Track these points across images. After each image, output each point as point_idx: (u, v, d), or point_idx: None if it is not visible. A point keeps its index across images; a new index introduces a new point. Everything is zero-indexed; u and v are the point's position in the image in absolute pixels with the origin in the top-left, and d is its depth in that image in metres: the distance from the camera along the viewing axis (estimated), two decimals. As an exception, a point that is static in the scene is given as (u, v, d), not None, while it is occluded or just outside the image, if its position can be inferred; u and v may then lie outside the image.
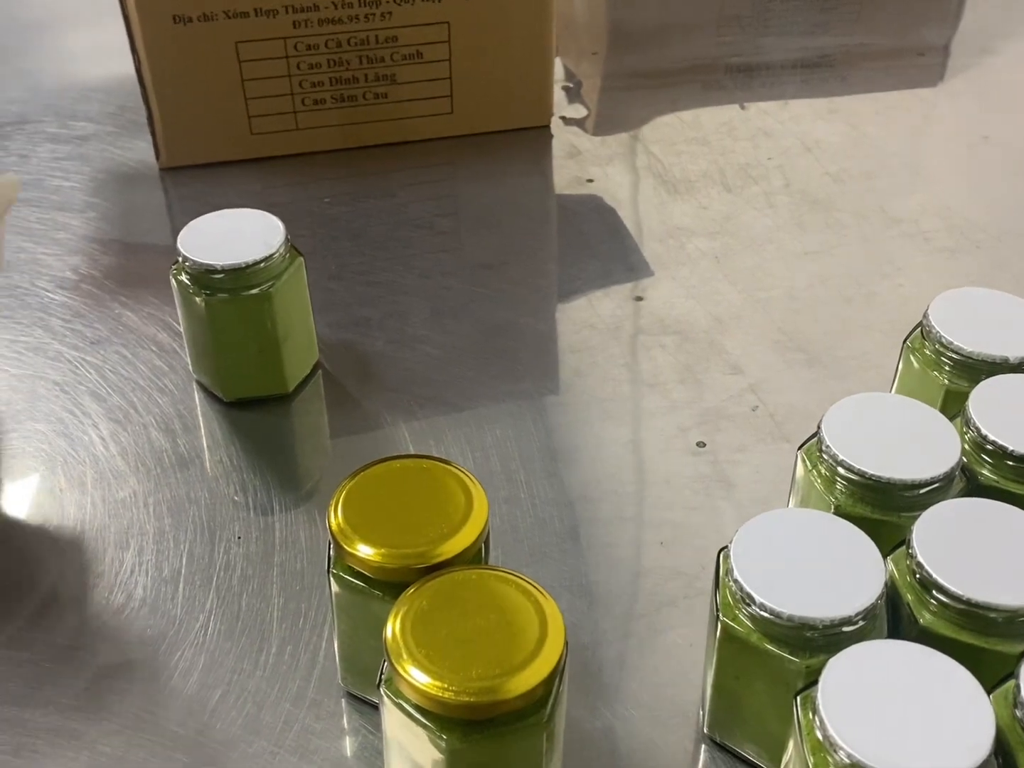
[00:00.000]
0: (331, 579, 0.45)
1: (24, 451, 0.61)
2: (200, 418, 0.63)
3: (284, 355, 0.62)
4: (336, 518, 0.45)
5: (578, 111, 0.92)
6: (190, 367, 0.65)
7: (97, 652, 0.51)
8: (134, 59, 0.79)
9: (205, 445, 0.61)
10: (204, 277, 0.59)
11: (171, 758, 0.47)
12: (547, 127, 0.89)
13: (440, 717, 0.39)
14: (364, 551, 0.43)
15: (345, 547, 0.44)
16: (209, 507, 0.58)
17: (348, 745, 0.47)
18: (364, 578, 0.44)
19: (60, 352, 0.68)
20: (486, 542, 0.45)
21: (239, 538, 0.56)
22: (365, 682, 0.47)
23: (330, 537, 0.45)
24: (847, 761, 0.36)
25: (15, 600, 0.53)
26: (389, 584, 0.43)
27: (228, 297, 0.59)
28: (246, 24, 0.78)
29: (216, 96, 0.81)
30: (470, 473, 0.47)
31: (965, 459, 0.49)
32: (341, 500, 0.46)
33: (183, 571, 0.54)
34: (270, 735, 0.47)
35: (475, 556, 0.45)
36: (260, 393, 0.63)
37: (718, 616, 0.43)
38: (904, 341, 0.56)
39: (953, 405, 0.52)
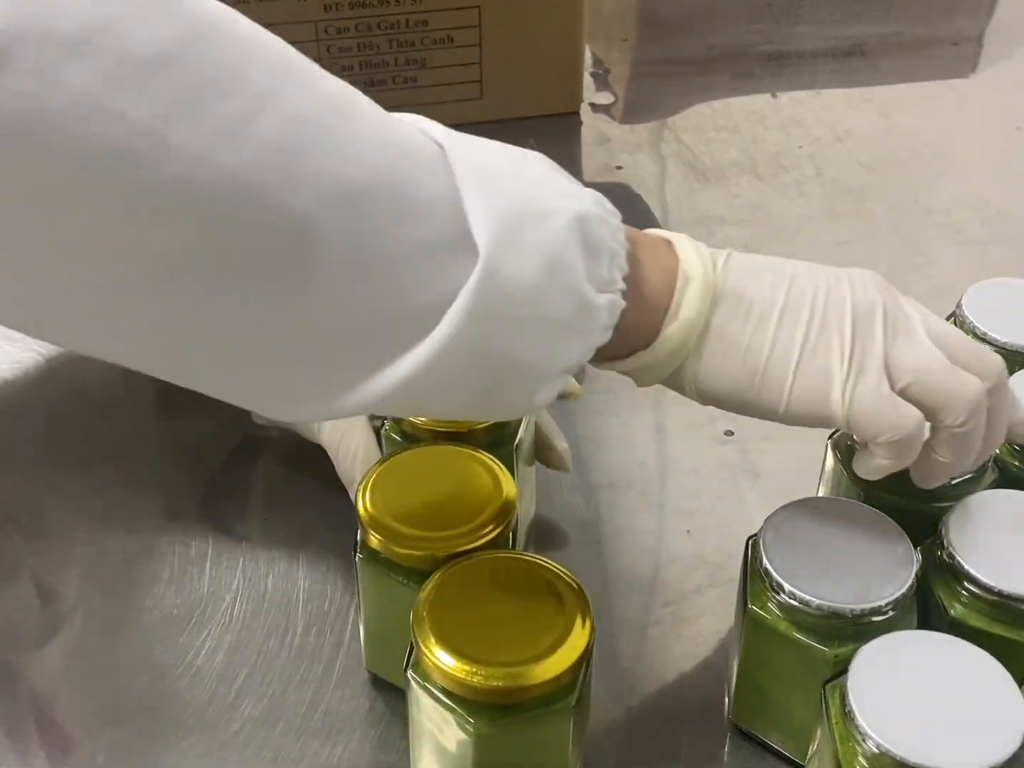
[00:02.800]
0: (358, 563, 0.45)
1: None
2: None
3: None
4: (365, 503, 0.45)
5: (607, 98, 0.92)
6: None
7: (123, 630, 0.51)
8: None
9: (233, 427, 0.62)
10: None
11: (196, 737, 0.47)
12: (576, 113, 0.88)
13: (468, 701, 0.39)
14: (392, 536, 0.43)
15: (373, 532, 0.44)
16: (237, 488, 0.58)
17: (372, 728, 0.47)
18: (391, 564, 0.44)
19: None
20: (514, 530, 0.45)
21: (265, 519, 0.56)
22: (391, 666, 0.47)
23: (358, 522, 0.45)
24: (876, 751, 0.36)
25: (50, 585, 0.54)
26: (416, 570, 0.43)
27: None
28: (277, 7, 0.78)
29: (246, 80, 0.81)
30: (497, 461, 0.47)
31: (997, 450, 0.49)
32: (370, 485, 0.46)
33: (210, 551, 0.55)
34: (295, 716, 0.48)
35: (503, 542, 0.45)
36: None
37: (746, 604, 0.43)
38: (936, 331, 0.55)
39: (985, 396, 0.52)
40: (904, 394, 0.41)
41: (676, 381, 0.43)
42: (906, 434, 0.41)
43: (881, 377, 0.41)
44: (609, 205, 0.40)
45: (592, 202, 0.39)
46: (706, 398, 0.43)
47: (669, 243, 0.43)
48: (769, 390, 0.42)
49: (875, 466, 0.42)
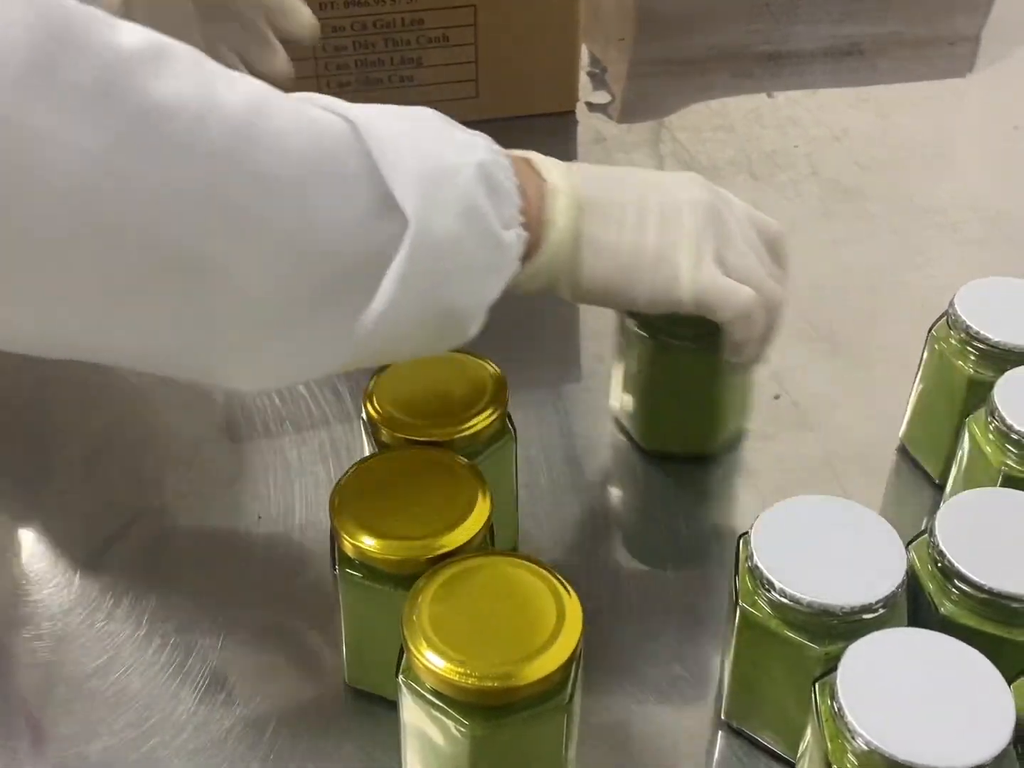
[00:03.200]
0: (338, 576, 0.44)
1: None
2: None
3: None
4: (338, 511, 0.44)
5: (604, 97, 0.92)
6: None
7: (117, 629, 0.51)
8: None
9: (225, 426, 0.62)
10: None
11: (189, 735, 0.47)
12: (572, 113, 0.88)
13: (462, 703, 0.39)
14: (368, 542, 0.43)
15: (351, 540, 0.43)
16: (230, 487, 0.58)
17: (365, 728, 0.47)
18: (373, 571, 0.44)
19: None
20: (490, 531, 0.45)
21: (259, 518, 0.56)
22: (377, 676, 0.47)
23: (334, 533, 0.44)
24: (865, 748, 0.36)
25: (36, 575, 0.54)
26: (400, 576, 0.43)
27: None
28: (273, 6, 0.78)
29: (242, 78, 0.81)
30: (474, 465, 0.46)
31: (989, 448, 0.49)
32: (342, 493, 0.45)
33: (203, 550, 0.55)
34: (287, 715, 0.48)
35: (480, 544, 0.44)
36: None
37: (737, 602, 0.43)
38: (929, 330, 0.55)
39: (977, 395, 0.52)
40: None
41: (553, 285, 0.50)
42: (745, 305, 0.50)
43: (716, 266, 0.50)
44: (496, 145, 0.46)
45: (486, 148, 0.45)
46: (580, 297, 0.51)
47: (529, 161, 0.48)
48: (634, 285, 0.50)
49: (732, 346, 0.52)
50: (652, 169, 0.54)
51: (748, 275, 0.51)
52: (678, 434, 0.59)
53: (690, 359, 0.56)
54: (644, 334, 0.56)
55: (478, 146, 0.44)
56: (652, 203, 0.50)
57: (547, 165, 0.49)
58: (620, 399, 0.60)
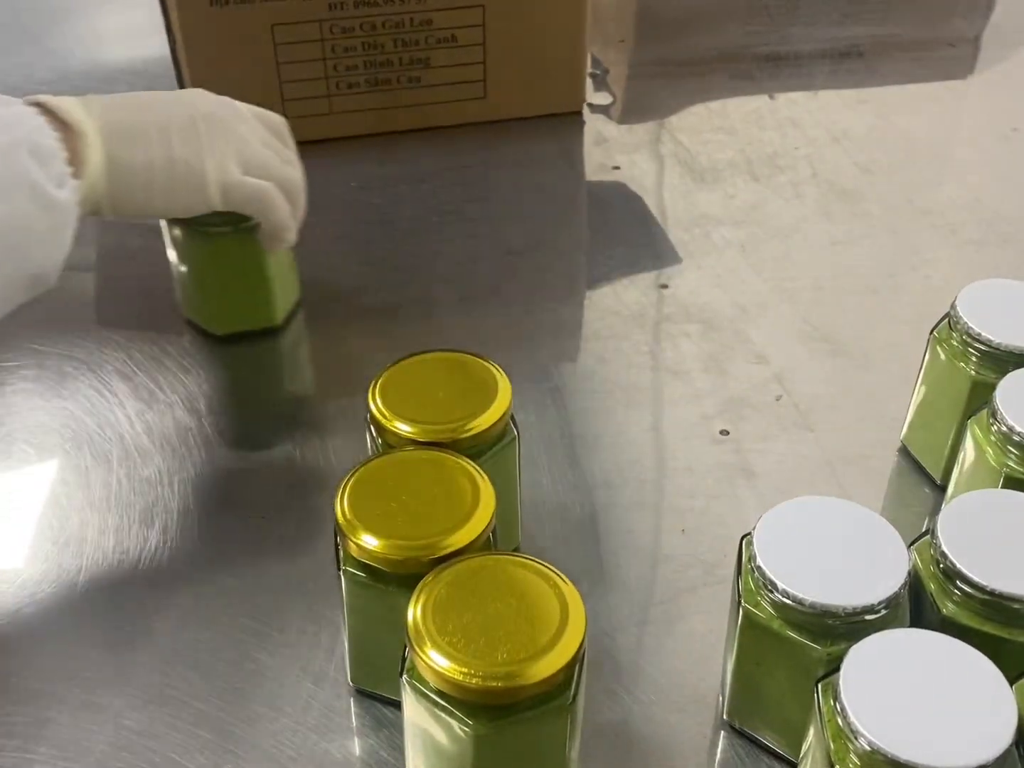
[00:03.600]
0: (342, 576, 0.45)
1: (51, 428, 0.62)
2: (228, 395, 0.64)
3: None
4: (343, 512, 0.44)
5: (605, 98, 0.92)
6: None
7: (122, 627, 0.51)
8: (170, 41, 0.79)
9: (233, 425, 0.62)
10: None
11: (194, 733, 0.47)
12: (579, 113, 0.89)
13: (465, 703, 0.39)
14: (372, 543, 0.43)
15: (355, 540, 0.43)
16: (233, 486, 0.58)
17: (369, 726, 0.48)
18: (376, 572, 0.44)
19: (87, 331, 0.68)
20: (493, 532, 0.45)
21: (263, 517, 0.56)
22: (380, 676, 0.47)
23: (337, 532, 0.44)
24: (867, 748, 0.36)
25: (40, 575, 0.54)
26: (403, 576, 0.43)
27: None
28: (282, 7, 0.78)
29: (251, 79, 0.81)
30: (476, 466, 0.47)
31: (991, 450, 0.49)
32: (346, 493, 0.45)
33: (206, 549, 0.55)
34: (292, 713, 0.48)
35: (484, 545, 0.45)
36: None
37: (740, 602, 0.43)
38: (931, 332, 0.56)
39: (979, 396, 0.52)
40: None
41: (97, 210, 0.56)
42: (267, 197, 0.59)
43: (237, 167, 0.58)
44: (30, 107, 0.53)
45: (27, 116, 0.52)
46: (122, 215, 0.57)
47: (55, 108, 0.54)
48: (169, 196, 0.57)
49: (265, 236, 0.61)
50: (159, 92, 0.61)
51: (267, 170, 0.60)
52: (240, 313, 0.67)
53: (232, 244, 0.64)
54: (188, 230, 0.64)
55: (20, 118, 0.51)
56: (171, 122, 0.57)
57: (66, 106, 0.54)
58: (183, 297, 0.68)
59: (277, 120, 0.64)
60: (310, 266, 0.71)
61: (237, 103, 0.61)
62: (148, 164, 0.56)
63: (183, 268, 0.66)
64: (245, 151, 0.59)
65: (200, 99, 0.60)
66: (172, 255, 0.67)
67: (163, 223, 0.65)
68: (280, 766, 0.46)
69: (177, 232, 0.65)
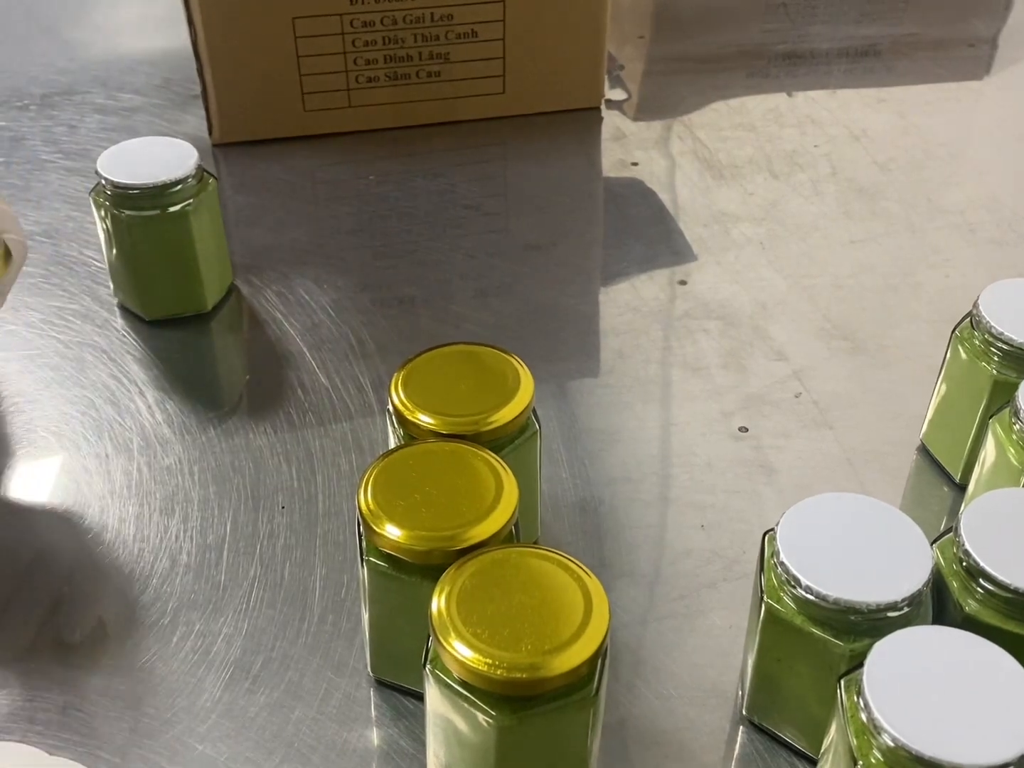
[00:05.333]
0: (365, 566, 0.45)
1: (72, 416, 0.62)
2: (235, 387, 0.64)
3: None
4: (367, 503, 0.45)
5: (620, 94, 0.92)
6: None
7: (142, 616, 0.52)
8: (191, 34, 0.79)
9: (254, 414, 0.62)
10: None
11: (214, 722, 0.47)
12: (597, 109, 0.89)
13: (489, 694, 0.39)
14: (396, 533, 0.43)
15: (379, 531, 0.43)
16: (253, 476, 0.58)
17: (389, 716, 0.48)
18: (400, 563, 0.44)
19: (108, 320, 0.68)
20: (516, 524, 0.45)
21: (283, 508, 0.57)
22: (402, 667, 0.48)
23: (361, 523, 0.44)
24: (891, 744, 0.36)
25: (61, 563, 0.54)
26: (427, 567, 0.43)
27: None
28: (303, 0, 0.78)
29: (271, 72, 0.81)
30: (499, 458, 0.47)
31: (1013, 450, 0.49)
32: (370, 484, 0.45)
33: (227, 538, 0.55)
34: (311, 703, 0.48)
35: (507, 537, 0.45)
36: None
37: (762, 598, 0.43)
38: (953, 331, 0.56)
39: (1001, 396, 0.52)
40: None
41: None
42: None
43: None
44: None
45: None
46: None
47: None
48: None
49: None
50: None
51: None
52: (168, 299, 0.68)
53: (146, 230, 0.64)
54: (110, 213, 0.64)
55: None
56: None
57: None
58: (114, 285, 0.69)
59: None
60: (329, 259, 0.71)
61: None
62: None
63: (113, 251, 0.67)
64: None
65: None
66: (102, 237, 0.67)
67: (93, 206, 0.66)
68: (299, 755, 0.46)
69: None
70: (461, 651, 0.39)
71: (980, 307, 0.54)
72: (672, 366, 0.66)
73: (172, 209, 0.64)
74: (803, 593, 0.42)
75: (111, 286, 0.69)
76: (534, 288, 0.72)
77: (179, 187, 0.64)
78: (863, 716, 0.38)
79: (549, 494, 0.57)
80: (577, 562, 0.42)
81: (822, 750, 0.42)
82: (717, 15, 1.06)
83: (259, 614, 0.52)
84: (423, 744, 0.44)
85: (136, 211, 0.64)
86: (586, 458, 0.60)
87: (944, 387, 0.57)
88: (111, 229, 0.65)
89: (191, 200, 0.64)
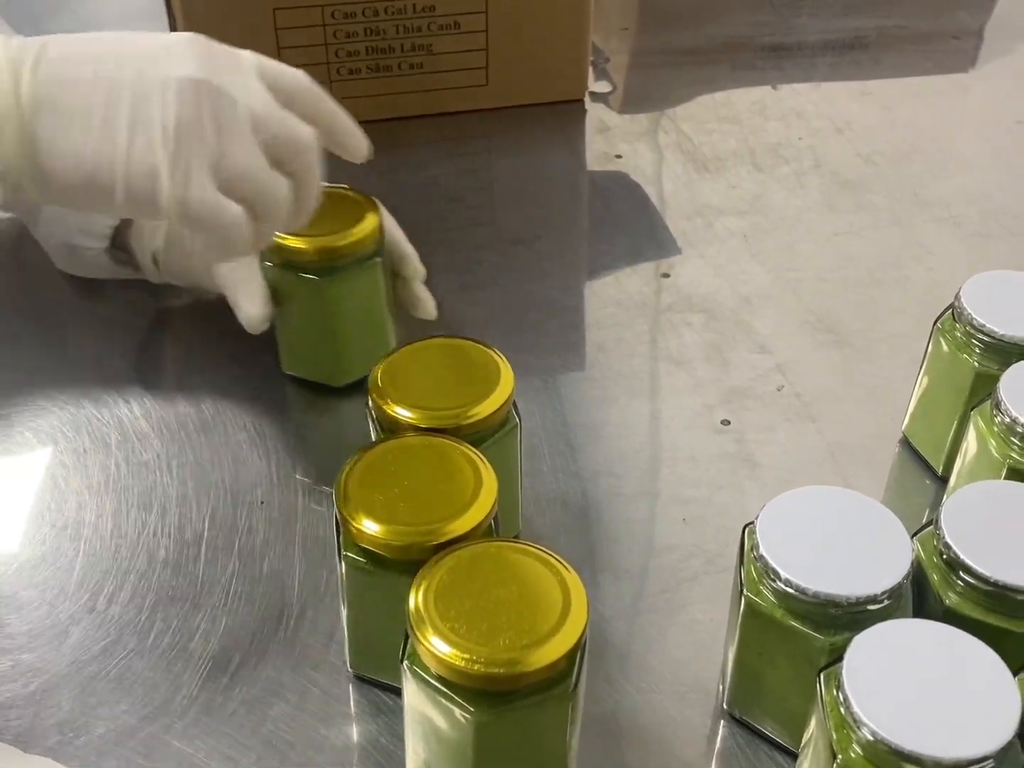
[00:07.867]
0: (343, 562, 0.44)
1: (49, 411, 0.61)
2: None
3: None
4: (344, 498, 0.44)
5: (605, 87, 0.92)
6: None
7: (120, 612, 0.51)
8: (170, 24, 0.79)
9: (232, 410, 0.62)
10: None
11: (192, 718, 0.47)
12: (581, 101, 0.88)
13: (467, 689, 0.38)
14: (374, 528, 0.43)
15: (357, 527, 0.43)
16: (232, 471, 0.58)
17: (368, 713, 0.48)
18: (378, 558, 0.43)
19: (88, 312, 0.68)
20: (495, 519, 0.45)
21: (262, 503, 0.56)
22: (381, 663, 0.47)
23: (339, 518, 0.44)
24: (870, 738, 0.36)
25: (38, 558, 0.53)
26: (406, 562, 0.43)
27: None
28: (286, -7, 0.78)
29: (251, 63, 0.80)
30: (478, 452, 0.46)
31: (994, 441, 0.49)
32: (347, 480, 0.45)
33: (205, 534, 0.55)
34: (290, 698, 0.48)
35: (486, 532, 0.44)
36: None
37: (742, 591, 0.43)
38: (934, 323, 0.55)
39: (983, 388, 0.52)
40: (229, 189, 0.45)
41: (18, 188, 0.44)
42: (229, 228, 0.45)
43: (207, 178, 0.44)
44: None
45: None
46: (50, 202, 0.46)
47: None
48: (108, 195, 0.44)
49: (199, 250, 0.55)
50: (139, 40, 0.45)
51: (249, 182, 0.46)
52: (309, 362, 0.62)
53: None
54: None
55: None
56: (125, 93, 0.43)
57: None
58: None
59: (291, 81, 0.50)
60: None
61: (241, 58, 0.47)
62: (79, 153, 0.43)
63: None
64: (231, 146, 0.45)
65: (184, 54, 0.45)
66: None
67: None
68: (278, 752, 0.46)
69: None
70: (438, 646, 0.38)
71: (962, 299, 0.54)
72: (656, 359, 0.65)
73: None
74: (782, 586, 0.42)
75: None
76: (517, 281, 0.71)
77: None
78: (842, 710, 0.37)
79: (532, 489, 0.57)
80: (556, 556, 0.42)
81: (802, 744, 0.42)
82: (702, 7, 1.06)
83: (237, 610, 0.51)
84: (403, 740, 0.43)
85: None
86: (568, 452, 0.59)
87: (926, 379, 0.57)
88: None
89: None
